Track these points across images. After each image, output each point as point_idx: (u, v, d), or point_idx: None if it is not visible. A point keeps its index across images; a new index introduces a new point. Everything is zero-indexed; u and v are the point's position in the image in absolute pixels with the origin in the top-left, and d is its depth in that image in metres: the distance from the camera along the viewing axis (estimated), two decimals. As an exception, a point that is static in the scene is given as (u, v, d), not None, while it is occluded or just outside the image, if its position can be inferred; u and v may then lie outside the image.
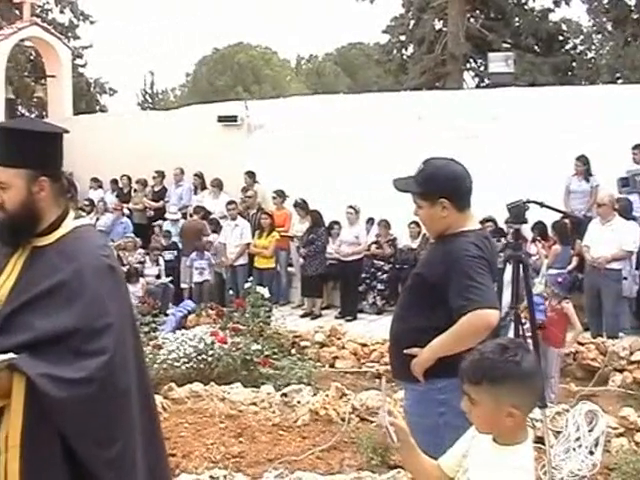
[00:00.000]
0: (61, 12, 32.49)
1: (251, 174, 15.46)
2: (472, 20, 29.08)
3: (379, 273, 13.76)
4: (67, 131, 3.26)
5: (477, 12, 29.91)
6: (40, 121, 3.35)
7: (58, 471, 2.91)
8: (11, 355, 2.83)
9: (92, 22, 32.97)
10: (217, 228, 14.59)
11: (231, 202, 14.58)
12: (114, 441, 2.98)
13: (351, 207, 13.70)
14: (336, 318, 13.17)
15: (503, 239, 11.00)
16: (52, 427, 2.88)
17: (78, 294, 2.96)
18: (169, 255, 14.56)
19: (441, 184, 4.06)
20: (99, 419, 2.94)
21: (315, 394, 7.71)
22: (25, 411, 2.88)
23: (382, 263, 13.78)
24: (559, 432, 6.45)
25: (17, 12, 23.75)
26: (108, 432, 2.98)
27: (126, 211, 16.43)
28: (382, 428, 2.86)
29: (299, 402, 7.53)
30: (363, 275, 13.74)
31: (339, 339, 10.36)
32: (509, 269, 5.72)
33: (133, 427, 3.08)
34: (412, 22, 30.86)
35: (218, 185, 15.75)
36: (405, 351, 4.07)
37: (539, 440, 5.76)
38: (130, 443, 3.05)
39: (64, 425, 2.89)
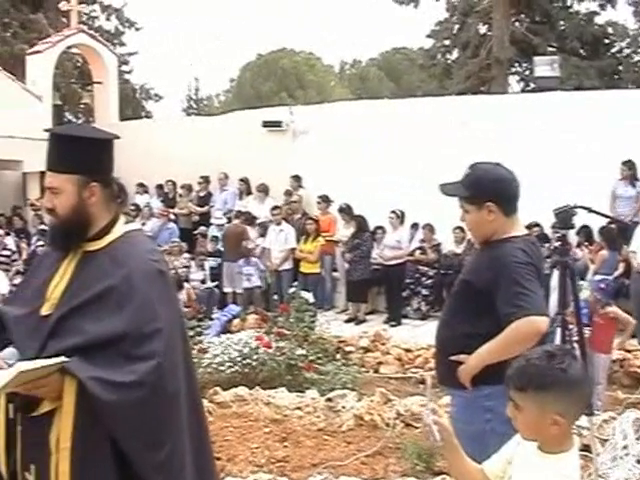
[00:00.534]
0: (107, 19, 32.84)
1: (297, 178, 15.55)
2: (517, 24, 28.82)
3: (423, 279, 13.74)
4: (118, 137, 3.27)
5: (522, 16, 29.62)
6: (91, 127, 3.39)
7: (108, 473, 2.93)
8: (63, 358, 2.85)
9: (137, 29, 33.27)
10: (265, 233, 14.67)
11: (275, 207, 14.68)
12: (163, 444, 2.99)
13: (393, 212, 13.71)
14: (384, 323, 13.18)
15: (547, 244, 10.93)
16: (102, 429, 2.91)
17: (128, 299, 2.98)
18: (213, 262, 14.64)
19: (488, 188, 4.04)
20: (148, 422, 2.95)
21: (360, 399, 7.71)
22: (75, 413, 2.90)
23: (426, 269, 13.76)
24: (606, 440, 6.38)
25: (64, 20, 24.04)
26: (157, 435, 2.99)
27: (172, 216, 16.54)
28: (425, 426, 2.86)
29: (344, 407, 7.54)
30: (407, 280, 13.73)
31: (383, 344, 10.36)
32: (556, 275, 5.68)
33: (182, 431, 3.09)
34: (456, 26, 30.72)
35: (264, 190, 15.81)
36: (451, 358, 4.06)
37: (585, 448, 5.70)
38: (179, 447, 3.06)
39: (114, 428, 2.91)
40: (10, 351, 3.15)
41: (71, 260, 3.18)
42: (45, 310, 3.11)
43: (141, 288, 3.01)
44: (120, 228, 3.22)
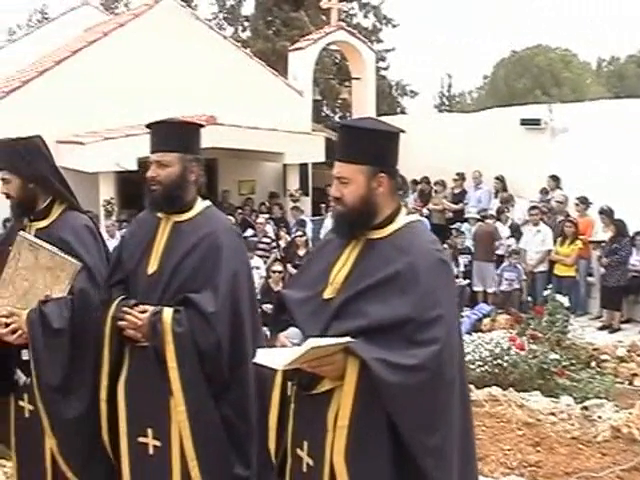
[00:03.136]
0: (365, 17, 33.44)
1: (555, 178, 15.20)
2: None
3: (686, 290, 13.00)
4: (403, 131, 3.32)
5: None
6: (378, 120, 3.45)
7: (383, 452, 3.01)
8: (348, 339, 2.96)
9: (394, 26, 33.63)
10: (515, 234, 14.44)
11: (533, 207, 14.39)
12: (436, 429, 3.03)
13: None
14: (640, 333, 12.62)
15: None
16: (380, 410, 2.98)
17: (412, 285, 3.04)
18: (464, 259, 14.55)
19: None
20: (426, 407, 3.00)
21: (617, 411, 7.41)
22: (356, 393, 3.00)
23: (690, 280, 13.00)
24: None
25: (324, 18, 24.77)
26: (432, 420, 3.03)
27: (425, 211, 16.63)
28: None
29: (600, 417, 7.27)
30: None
31: (639, 356, 9.92)
32: None
33: (453, 420, 3.12)
34: None
35: (509, 200, 15.61)
36: None
37: None
38: (449, 435, 3.09)
39: (393, 409, 2.98)
40: (294, 331, 3.30)
41: (354, 247, 3.27)
42: (328, 294, 3.23)
43: (425, 276, 3.06)
44: (403, 218, 3.29)
